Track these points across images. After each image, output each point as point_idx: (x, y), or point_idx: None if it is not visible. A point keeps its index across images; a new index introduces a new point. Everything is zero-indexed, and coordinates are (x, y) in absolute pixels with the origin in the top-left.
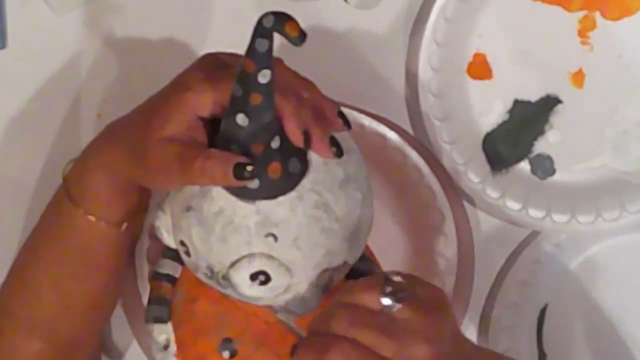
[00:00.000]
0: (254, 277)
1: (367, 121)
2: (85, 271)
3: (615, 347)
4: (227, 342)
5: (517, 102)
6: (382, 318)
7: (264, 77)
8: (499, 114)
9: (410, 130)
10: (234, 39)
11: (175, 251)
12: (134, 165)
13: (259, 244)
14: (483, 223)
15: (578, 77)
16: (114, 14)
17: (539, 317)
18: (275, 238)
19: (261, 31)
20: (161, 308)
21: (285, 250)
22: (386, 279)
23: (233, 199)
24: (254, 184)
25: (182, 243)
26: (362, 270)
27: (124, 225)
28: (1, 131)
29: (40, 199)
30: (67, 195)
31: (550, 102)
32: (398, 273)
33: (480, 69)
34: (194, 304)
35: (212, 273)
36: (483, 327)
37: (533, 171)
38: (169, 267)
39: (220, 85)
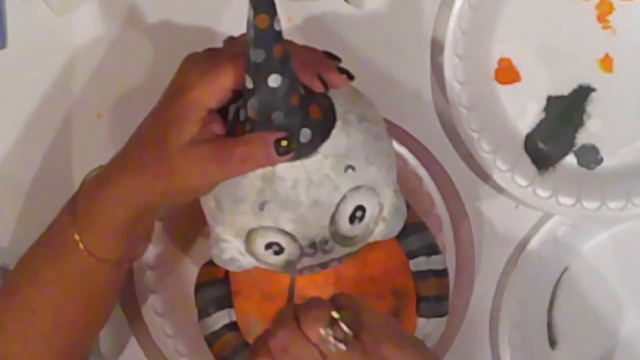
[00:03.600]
0: (352, 218)
1: None
2: (82, 296)
3: (628, 333)
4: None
5: (550, 99)
6: (313, 357)
7: (278, 23)
8: (535, 113)
9: (449, 146)
10: None
11: (216, 299)
12: (158, 185)
13: (344, 182)
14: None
15: (606, 62)
16: (114, 14)
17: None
18: (353, 168)
19: None
20: (243, 355)
21: (364, 173)
22: (333, 320)
23: (297, 163)
24: (307, 136)
25: (269, 245)
26: None
27: (126, 265)
28: (1, 131)
29: (40, 199)
30: (72, 224)
31: (583, 92)
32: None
33: (507, 73)
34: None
35: (314, 247)
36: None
37: (580, 163)
38: (221, 318)
39: (220, 70)
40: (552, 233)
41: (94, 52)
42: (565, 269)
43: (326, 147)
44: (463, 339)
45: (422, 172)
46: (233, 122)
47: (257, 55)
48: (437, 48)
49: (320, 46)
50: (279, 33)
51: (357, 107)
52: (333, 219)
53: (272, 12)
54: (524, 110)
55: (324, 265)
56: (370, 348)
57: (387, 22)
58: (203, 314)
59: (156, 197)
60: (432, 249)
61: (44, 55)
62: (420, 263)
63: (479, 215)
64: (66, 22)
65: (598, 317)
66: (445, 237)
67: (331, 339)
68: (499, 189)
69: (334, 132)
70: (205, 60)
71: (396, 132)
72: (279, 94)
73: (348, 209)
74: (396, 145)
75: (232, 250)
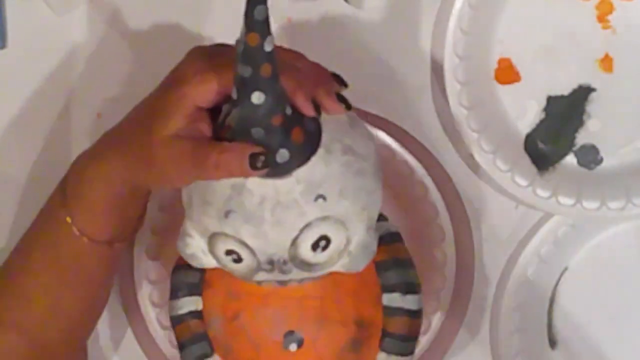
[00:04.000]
0: (315, 246)
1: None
2: (76, 280)
3: (628, 333)
4: (289, 335)
5: (550, 99)
6: None
7: (269, 44)
8: (535, 113)
9: (449, 146)
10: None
11: (188, 285)
12: (139, 169)
13: (312, 211)
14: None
15: (606, 62)
16: (114, 14)
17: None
18: (324, 198)
19: None
20: (201, 344)
21: (335, 205)
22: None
23: (270, 181)
24: (284, 157)
25: (229, 252)
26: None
27: (117, 245)
28: (1, 131)
29: (39, 198)
30: (62, 205)
31: (583, 92)
32: None
33: (507, 73)
34: (237, 320)
35: (272, 265)
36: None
37: (580, 163)
38: (187, 305)
39: (218, 72)
40: (552, 233)
41: (94, 52)
42: (565, 269)
43: (301, 172)
44: (463, 339)
45: (428, 181)
46: (221, 123)
47: (243, 70)
48: (437, 48)
49: (320, 46)
50: (269, 53)
51: (346, 138)
52: (294, 243)
53: (264, 32)
54: (524, 110)
55: (282, 283)
56: None
57: (387, 22)
58: (173, 295)
59: (135, 179)
60: (410, 288)
61: (44, 55)
62: (393, 299)
63: (479, 215)
64: (66, 22)
65: (598, 317)
66: (445, 236)
67: None
68: (499, 189)
69: (313, 159)
70: (206, 58)
71: (396, 132)
72: (260, 111)
73: (312, 236)
74: (403, 152)
75: (195, 246)
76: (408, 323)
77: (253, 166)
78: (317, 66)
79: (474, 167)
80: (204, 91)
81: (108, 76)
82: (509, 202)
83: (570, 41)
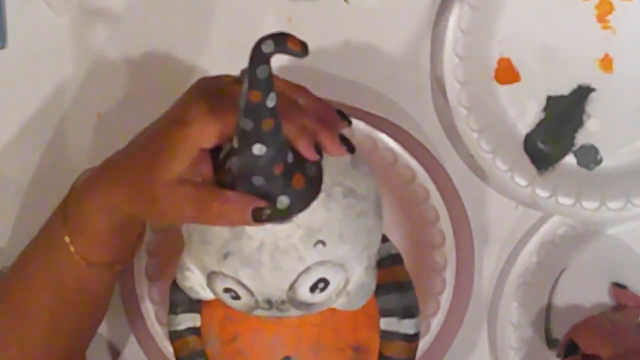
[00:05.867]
0: (313, 288)
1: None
2: (76, 299)
3: None
4: None
5: (550, 99)
6: None
7: (271, 100)
8: (535, 113)
9: (449, 146)
10: (236, 38)
11: (187, 301)
12: (140, 205)
13: (310, 256)
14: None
15: (606, 62)
16: (114, 14)
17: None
18: (324, 243)
19: (260, 58)
20: None
21: (334, 249)
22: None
23: (269, 226)
24: (284, 203)
25: (228, 290)
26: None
27: (118, 267)
28: (1, 131)
29: (39, 199)
30: (62, 227)
31: (583, 92)
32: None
33: (507, 73)
34: (235, 342)
35: (270, 304)
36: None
37: (580, 163)
38: (186, 321)
39: (222, 116)
40: (551, 233)
41: (94, 52)
42: (564, 269)
43: (302, 217)
44: (462, 339)
45: (430, 185)
46: (223, 162)
47: (245, 124)
48: (437, 48)
49: (320, 46)
50: (272, 109)
51: (348, 180)
52: (292, 286)
53: (267, 90)
54: (524, 110)
55: (279, 317)
56: None
57: (386, 22)
58: (172, 310)
59: (138, 214)
60: (408, 312)
61: (44, 55)
62: (390, 323)
63: (478, 215)
64: (66, 22)
65: None
66: (445, 236)
67: None
68: (499, 189)
69: (314, 204)
70: (213, 96)
71: (396, 132)
72: (261, 161)
73: (310, 279)
74: (403, 152)
75: (193, 280)
76: (405, 347)
77: (255, 219)
78: (320, 103)
79: (474, 167)
80: (210, 134)
81: (108, 76)
82: (509, 202)
83: (570, 41)
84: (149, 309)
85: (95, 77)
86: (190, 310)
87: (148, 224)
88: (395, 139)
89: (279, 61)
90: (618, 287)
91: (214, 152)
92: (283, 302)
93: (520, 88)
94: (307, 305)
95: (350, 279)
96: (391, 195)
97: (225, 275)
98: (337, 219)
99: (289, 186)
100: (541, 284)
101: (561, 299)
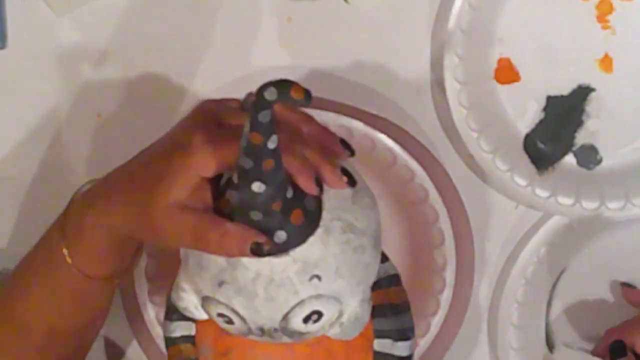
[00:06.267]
0: (306, 319)
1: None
2: (75, 310)
3: None
4: None
5: (550, 99)
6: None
7: (272, 142)
8: (535, 113)
9: (449, 146)
10: (236, 38)
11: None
12: (138, 228)
13: (305, 290)
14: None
15: (606, 62)
16: (114, 14)
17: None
18: (319, 278)
19: (263, 103)
20: None
21: (330, 284)
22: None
23: (266, 259)
24: (281, 238)
25: (222, 315)
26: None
27: (116, 280)
28: (1, 131)
29: (39, 199)
30: (61, 240)
31: (583, 92)
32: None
33: (506, 73)
34: (227, 356)
35: (262, 332)
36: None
37: (579, 163)
38: (180, 329)
39: (224, 147)
40: (551, 233)
41: (94, 52)
42: (564, 270)
43: (298, 252)
44: (462, 339)
45: (428, 184)
46: (223, 188)
47: (245, 162)
48: (437, 48)
49: (320, 46)
50: (273, 150)
51: (347, 214)
52: (286, 317)
53: (268, 133)
54: (524, 110)
55: (273, 341)
56: None
57: (386, 22)
58: (167, 316)
59: (135, 235)
60: (403, 335)
61: (44, 55)
62: (385, 345)
63: (478, 216)
64: (66, 22)
65: (596, 318)
66: (445, 236)
67: None
68: (499, 189)
69: (311, 239)
70: (215, 125)
71: (396, 132)
72: (260, 198)
73: (304, 312)
74: (403, 152)
75: (188, 301)
76: None
77: (254, 253)
78: (324, 131)
79: (474, 167)
80: (212, 164)
81: (108, 76)
82: (509, 202)
83: (570, 41)
84: (149, 310)
85: (95, 77)
86: (185, 319)
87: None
88: (395, 139)
89: (279, 60)
90: (628, 287)
91: (214, 178)
92: (276, 330)
93: (520, 88)
94: (299, 334)
95: (345, 311)
96: (390, 196)
97: (219, 302)
98: (334, 254)
99: (287, 222)
100: (541, 284)
101: (561, 299)
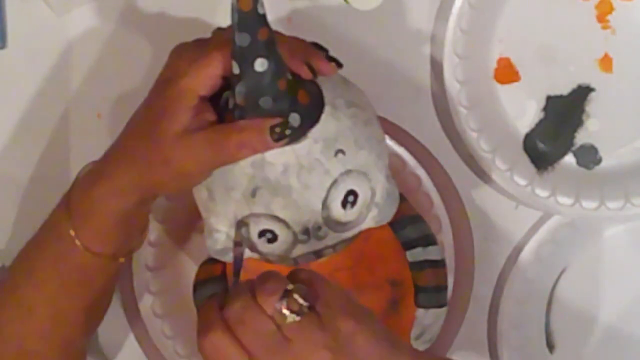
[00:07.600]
0: (344, 203)
1: None
2: (79, 291)
3: (625, 337)
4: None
5: (550, 99)
6: (268, 328)
7: (262, 6)
8: (534, 113)
9: (449, 146)
10: None
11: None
12: (154, 174)
13: (334, 167)
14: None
15: (605, 62)
16: (114, 14)
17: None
18: (343, 152)
19: None
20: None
21: (354, 157)
22: (287, 291)
23: (288, 148)
24: (296, 120)
25: (263, 232)
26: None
27: (121, 259)
28: (1, 131)
29: (39, 199)
30: (66, 219)
31: (582, 92)
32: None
33: (506, 73)
34: None
35: (308, 234)
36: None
37: (579, 163)
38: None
39: (209, 58)
40: (550, 233)
41: (94, 52)
42: (564, 270)
43: (316, 131)
44: (462, 339)
45: (420, 172)
46: (223, 110)
47: (242, 40)
48: (437, 48)
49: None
50: (263, 16)
51: (346, 94)
52: (325, 204)
53: None
54: (523, 110)
55: (318, 254)
56: (326, 320)
57: (387, 22)
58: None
59: (150, 187)
60: (429, 240)
61: (44, 55)
62: (417, 254)
63: (478, 215)
64: (66, 22)
65: (596, 318)
66: (445, 237)
67: (285, 310)
68: (499, 189)
69: (323, 116)
70: (194, 48)
71: (396, 132)
72: (266, 78)
73: (340, 193)
74: (394, 146)
75: (225, 240)
76: (435, 274)
77: (275, 138)
78: (296, 38)
79: (474, 167)
80: (204, 79)
81: (108, 76)
82: (509, 202)
83: (570, 41)
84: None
85: (95, 77)
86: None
87: (151, 217)
88: (395, 139)
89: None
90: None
91: (214, 104)
92: (319, 226)
93: (519, 88)
94: (342, 224)
95: (376, 189)
96: None
97: (257, 216)
98: (348, 127)
99: (296, 102)
100: (541, 284)
101: (561, 299)
